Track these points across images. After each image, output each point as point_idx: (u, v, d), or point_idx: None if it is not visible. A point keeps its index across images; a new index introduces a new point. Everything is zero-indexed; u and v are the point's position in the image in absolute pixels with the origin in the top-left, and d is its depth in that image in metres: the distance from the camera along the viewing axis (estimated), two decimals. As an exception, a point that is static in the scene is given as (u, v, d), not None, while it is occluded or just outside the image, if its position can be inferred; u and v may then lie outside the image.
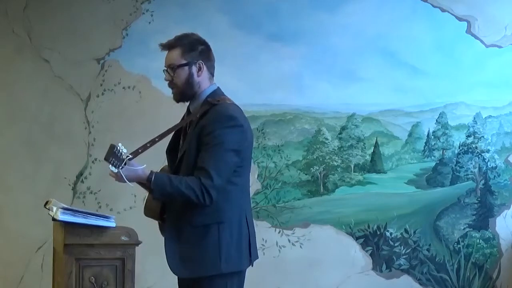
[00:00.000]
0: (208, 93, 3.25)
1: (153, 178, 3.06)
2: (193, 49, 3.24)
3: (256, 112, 5.67)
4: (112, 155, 3.01)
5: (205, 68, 3.26)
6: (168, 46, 3.25)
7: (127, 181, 3.06)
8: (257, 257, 3.32)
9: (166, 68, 3.26)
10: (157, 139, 3.19)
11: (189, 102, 3.31)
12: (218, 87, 3.30)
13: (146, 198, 3.33)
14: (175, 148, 3.34)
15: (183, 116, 3.38)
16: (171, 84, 3.25)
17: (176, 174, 3.20)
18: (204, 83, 3.26)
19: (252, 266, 3.29)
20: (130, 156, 3.06)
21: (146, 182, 3.09)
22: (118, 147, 3.03)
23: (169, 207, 3.23)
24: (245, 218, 3.24)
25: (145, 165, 3.12)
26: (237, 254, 3.18)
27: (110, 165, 3.01)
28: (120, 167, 3.03)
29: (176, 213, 3.19)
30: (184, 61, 3.22)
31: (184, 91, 3.24)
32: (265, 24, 5.71)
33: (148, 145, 3.16)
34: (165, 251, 3.18)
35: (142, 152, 3.14)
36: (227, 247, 3.14)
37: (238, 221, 3.20)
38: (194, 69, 3.23)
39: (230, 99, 3.28)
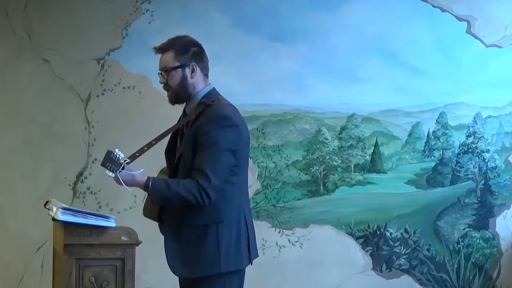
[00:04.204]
0: (203, 94, 3.27)
1: (150, 184, 3.09)
2: (185, 51, 3.26)
3: (256, 112, 5.67)
4: (109, 161, 3.05)
5: (198, 69, 3.27)
6: (161, 50, 3.29)
7: (124, 185, 3.10)
8: (257, 256, 3.34)
9: (160, 71, 3.29)
10: (154, 142, 3.22)
11: (185, 104, 3.34)
12: (213, 88, 3.32)
13: (145, 199, 3.35)
14: (172, 149, 3.36)
15: (180, 118, 3.40)
16: (166, 86, 3.29)
17: (175, 175, 3.23)
18: (199, 85, 3.28)
19: (251, 264, 3.30)
20: (128, 160, 3.10)
21: (143, 188, 3.12)
22: (115, 153, 3.07)
23: (168, 208, 3.25)
24: (243, 217, 3.25)
25: (142, 170, 3.14)
26: (236, 253, 3.19)
27: (107, 171, 3.05)
28: (118, 171, 3.07)
29: (174, 214, 3.21)
30: (177, 63, 3.24)
31: (178, 93, 3.27)
32: (265, 24, 5.71)
33: (145, 148, 3.19)
34: (165, 251, 3.20)
35: (139, 155, 3.17)
36: (226, 246, 3.15)
37: (237, 220, 3.21)
38: (188, 71, 3.25)
39: (226, 99, 3.30)
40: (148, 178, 3.11)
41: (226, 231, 3.16)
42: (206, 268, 3.14)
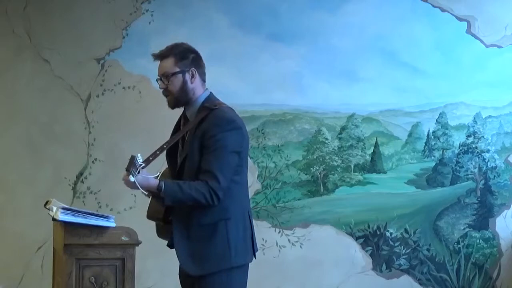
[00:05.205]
0: (203, 99, 3.36)
1: (163, 187, 3.17)
2: (185, 57, 3.35)
3: (256, 112, 5.67)
4: (132, 166, 3.12)
5: (197, 75, 3.36)
6: (160, 56, 3.37)
7: (140, 188, 3.17)
8: (257, 249, 3.45)
9: (160, 77, 3.36)
10: (165, 146, 3.31)
11: (183, 108, 3.42)
12: (211, 93, 3.41)
13: (149, 201, 3.37)
14: (173, 151, 3.44)
15: (178, 121, 3.48)
16: (166, 91, 3.36)
17: (179, 177, 3.31)
18: (198, 90, 3.36)
19: (255, 258, 3.40)
20: (143, 165, 3.17)
21: (156, 191, 3.18)
22: (137, 158, 3.14)
23: (176, 208, 3.31)
24: (247, 214, 3.37)
25: (158, 174, 3.29)
26: (244, 248, 3.31)
27: (131, 176, 3.11)
28: (135, 176, 3.13)
29: (182, 214, 3.28)
30: (177, 69, 3.32)
31: (178, 98, 3.35)
32: (265, 24, 5.71)
33: (158, 152, 3.28)
34: (176, 250, 3.28)
35: (153, 160, 3.25)
36: (235, 242, 3.26)
37: (242, 217, 3.33)
38: (188, 76, 3.34)
39: (224, 103, 3.39)
40: (160, 182, 3.19)
41: (234, 227, 3.27)
42: (217, 263, 3.24)
